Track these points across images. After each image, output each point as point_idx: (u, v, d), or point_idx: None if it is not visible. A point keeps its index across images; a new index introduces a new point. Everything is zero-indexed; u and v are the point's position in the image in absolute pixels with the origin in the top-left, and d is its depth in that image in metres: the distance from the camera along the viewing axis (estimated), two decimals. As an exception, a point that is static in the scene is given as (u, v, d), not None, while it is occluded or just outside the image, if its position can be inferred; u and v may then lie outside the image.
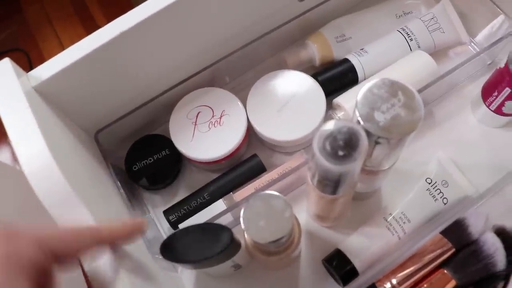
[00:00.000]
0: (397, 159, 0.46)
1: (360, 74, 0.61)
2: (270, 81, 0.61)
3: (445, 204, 0.55)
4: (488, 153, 0.61)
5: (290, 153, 0.62)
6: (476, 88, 0.62)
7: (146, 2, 0.49)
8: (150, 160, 0.61)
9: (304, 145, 0.60)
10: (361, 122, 0.37)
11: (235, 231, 0.45)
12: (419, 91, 0.54)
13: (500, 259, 0.49)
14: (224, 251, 0.43)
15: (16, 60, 0.47)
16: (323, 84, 0.60)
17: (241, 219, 0.41)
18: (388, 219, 0.54)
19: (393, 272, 0.51)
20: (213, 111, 0.59)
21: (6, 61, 0.46)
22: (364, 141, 0.35)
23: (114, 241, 0.39)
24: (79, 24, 1.61)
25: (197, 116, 0.59)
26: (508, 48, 0.54)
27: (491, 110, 0.59)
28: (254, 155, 0.61)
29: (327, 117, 0.59)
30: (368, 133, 0.37)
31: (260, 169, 0.59)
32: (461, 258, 0.50)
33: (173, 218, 0.58)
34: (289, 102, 0.59)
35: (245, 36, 0.61)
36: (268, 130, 0.58)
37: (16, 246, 0.31)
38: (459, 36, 0.65)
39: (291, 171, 0.54)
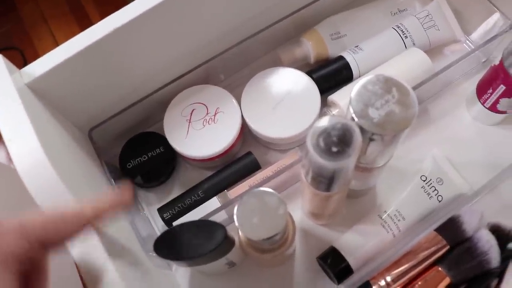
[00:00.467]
0: (391, 156, 0.46)
1: (355, 72, 0.61)
2: (265, 78, 0.60)
3: (440, 201, 0.55)
4: (483, 151, 0.61)
5: (285, 151, 0.62)
6: (471, 85, 0.62)
7: (139, -2, 0.49)
8: (144, 157, 0.60)
9: (299, 142, 0.60)
10: (355, 119, 0.37)
11: (229, 228, 0.45)
12: (414, 88, 0.54)
13: (494, 256, 0.49)
14: (218, 248, 0.43)
15: (10, 58, 0.47)
16: (318, 82, 0.60)
17: (235, 216, 0.40)
18: (383, 217, 0.54)
19: (388, 270, 0.51)
20: (207, 109, 0.59)
21: (-1, 57, 0.46)
22: (358, 137, 0.35)
23: (100, 218, 0.37)
24: (74, 23, 1.60)
25: (191, 114, 0.59)
26: (502, 45, 0.54)
27: (486, 108, 0.59)
28: (249, 153, 0.60)
29: (322, 115, 0.59)
30: (362, 130, 0.37)
31: (254, 167, 0.59)
32: (456, 255, 0.50)
33: (167, 216, 0.58)
34: (283, 100, 0.59)
35: (240, 33, 0.61)
36: (263, 127, 0.58)
37: None
38: (454, 33, 0.65)
39: (285, 169, 0.54)
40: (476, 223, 0.52)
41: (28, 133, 0.42)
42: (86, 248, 0.41)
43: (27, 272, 0.31)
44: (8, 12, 1.63)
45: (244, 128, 0.61)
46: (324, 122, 0.36)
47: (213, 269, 0.54)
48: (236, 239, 0.48)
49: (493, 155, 0.60)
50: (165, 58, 0.57)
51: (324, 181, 0.40)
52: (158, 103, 0.60)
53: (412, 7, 0.68)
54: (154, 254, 0.43)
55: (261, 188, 0.41)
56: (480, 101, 0.59)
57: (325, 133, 0.36)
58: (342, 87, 0.60)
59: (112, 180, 0.55)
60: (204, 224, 0.44)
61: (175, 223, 0.57)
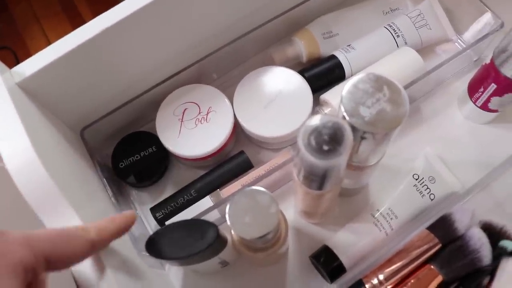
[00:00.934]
0: (383, 154, 0.46)
1: (347, 71, 0.61)
2: (257, 77, 0.60)
3: (432, 200, 0.55)
4: (474, 149, 0.61)
5: (277, 150, 0.62)
6: (462, 84, 0.63)
7: (131, -3, 0.49)
8: (137, 157, 0.60)
9: (291, 141, 0.60)
10: (347, 117, 0.37)
11: (222, 228, 0.45)
12: (406, 87, 0.55)
13: (486, 254, 0.49)
14: (210, 248, 0.43)
15: (3, 58, 0.47)
16: (310, 81, 0.60)
17: (227, 215, 0.40)
18: (376, 215, 0.54)
19: (380, 268, 0.51)
20: (199, 108, 0.59)
21: (-12, 57, 0.46)
22: (349, 135, 0.35)
23: (106, 244, 0.38)
24: (67, 22, 1.60)
25: (183, 113, 0.59)
26: (493, 44, 0.54)
27: (478, 106, 0.59)
28: (241, 152, 0.60)
29: (314, 114, 0.59)
30: (354, 128, 0.37)
31: (247, 166, 0.59)
32: (448, 253, 0.50)
33: (160, 215, 0.58)
34: (276, 99, 0.59)
35: (232, 33, 0.61)
36: (255, 126, 0.58)
37: (4, 245, 0.30)
38: (445, 32, 0.65)
39: (278, 168, 0.54)
40: (468, 221, 0.52)
41: (19, 133, 0.42)
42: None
43: (29, 283, 0.31)
44: (0, 12, 1.62)
45: (237, 127, 0.61)
46: (315, 120, 0.36)
47: (206, 269, 0.54)
48: (229, 238, 0.48)
49: (484, 153, 0.60)
50: (157, 57, 0.57)
51: (316, 179, 0.40)
52: (150, 103, 0.60)
53: (404, 6, 0.68)
54: (147, 254, 0.43)
55: (253, 187, 0.41)
56: (471, 100, 0.59)
57: (316, 131, 0.36)
58: (334, 86, 0.60)
59: (105, 179, 0.55)
60: (196, 223, 0.44)
61: (167, 223, 0.57)
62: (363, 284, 0.50)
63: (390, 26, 0.63)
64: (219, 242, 0.44)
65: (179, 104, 0.59)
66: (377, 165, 0.47)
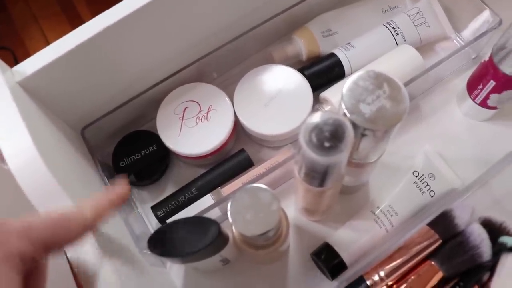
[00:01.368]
0: (383, 151, 0.46)
1: (346, 68, 0.61)
2: (257, 76, 0.61)
3: (432, 196, 0.55)
4: (474, 146, 0.61)
5: (278, 148, 0.62)
6: (461, 82, 0.63)
7: (131, -4, 0.49)
8: (138, 156, 0.60)
9: (292, 139, 0.61)
10: (347, 114, 0.37)
11: (223, 225, 0.45)
12: (406, 84, 0.55)
13: (486, 250, 0.49)
14: (211, 245, 0.43)
15: (1, 58, 0.47)
16: (310, 79, 0.60)
17: (228, 212, 0.40)
18: (376, 212, 0.55)
19: (381, 265, 0.51)
20: (200, 106, 0.59)
21: (-11, 56, 0.46)
22: (350, 132, 0.36)
23: (101, 219, 0.37)
24: (66, 23, 1.60)
25: (184, 112, 0.59)
26: (492, 42, 0.55)
27: (476, 103, 0.59)
28: (242, 150, 0.60)
29: (314, 111, 0.59)
30: (354, 125, 0.37)
31: (247, 164, 0.59)
32: (448, 249, 0.50)
33: (161, 214, 0.58)
34: (276, 97, 0.59)
35: (232, 31, 0.61)
36: (255, 124, 0.58)
37: (2, 236, 0.30)
38: (444, 30, 0.66)
39: (278, 165, 0.54)
40: (467, 218, 0.52)
41: (20, 132, 0.42)
42: (81, 246, 0.41)
43: (27, 272, 0.31)
44: (-2, 13, 1.62)
45: (237, 126, 0.61)
46: (316, 118, 0.36)
47: (208, 266, 0.54)
48: (230, 236, 0.48)
49: (484, 150, 0.61)
50: (158, 56, 0.57)
51: (317, 176, 0.41)
52: (151, 101, 0.60)
53: (402, 4, 0.68)
54: (148, 252, 0.43)
55: (254, 184, 0.41)
56: (470, 97, 0.60)
57: (318, 128, 0.36)
58: (334, 84, 0.61)
59: (106, 178, 0.55)
60: (198, 221, 0.44)
61: (169, 221, 0.57)
62: (364, 281, 0.50)
63: (389, 24, 0.63)
64: (221, 239, 0.45)
65: (179, 102, 0.59)
66: (377, 162, 0.48)
